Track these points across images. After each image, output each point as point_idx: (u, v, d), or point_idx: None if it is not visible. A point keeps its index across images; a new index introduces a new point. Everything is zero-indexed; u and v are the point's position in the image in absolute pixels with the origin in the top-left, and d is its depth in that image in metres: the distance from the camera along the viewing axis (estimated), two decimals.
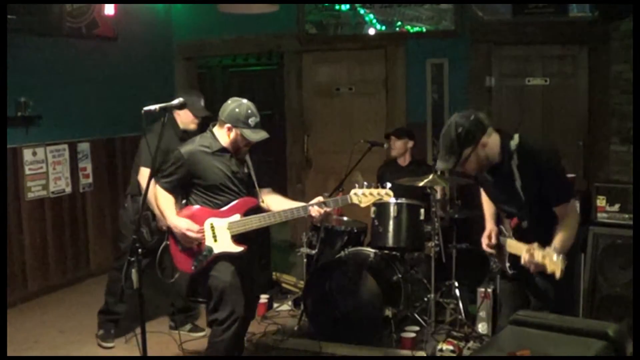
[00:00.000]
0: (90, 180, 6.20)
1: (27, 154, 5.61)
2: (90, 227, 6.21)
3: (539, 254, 2.80)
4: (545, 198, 3.05)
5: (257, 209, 3.63)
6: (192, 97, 4.52)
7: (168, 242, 3.65)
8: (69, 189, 5.99)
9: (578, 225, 3.07)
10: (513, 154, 3.06)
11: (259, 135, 3.52)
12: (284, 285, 5.68)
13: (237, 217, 3.56)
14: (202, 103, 4.63)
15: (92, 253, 6.24)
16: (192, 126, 4.57)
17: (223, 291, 3.55)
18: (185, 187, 3.64)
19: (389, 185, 3.66)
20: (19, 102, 5.42)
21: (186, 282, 4.74)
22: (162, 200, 3.62)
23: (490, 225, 3.40)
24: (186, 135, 4.50)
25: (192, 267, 3.60)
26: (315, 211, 3.53)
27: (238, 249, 3.55)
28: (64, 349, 4.61)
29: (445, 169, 3.23)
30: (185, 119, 4.55)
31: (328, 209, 3.62)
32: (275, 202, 3.70)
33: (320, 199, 3.62)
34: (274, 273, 5.73)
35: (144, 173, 4.47)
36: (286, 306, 5.22)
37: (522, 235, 3.13)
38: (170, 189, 3.63)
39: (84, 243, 6.20)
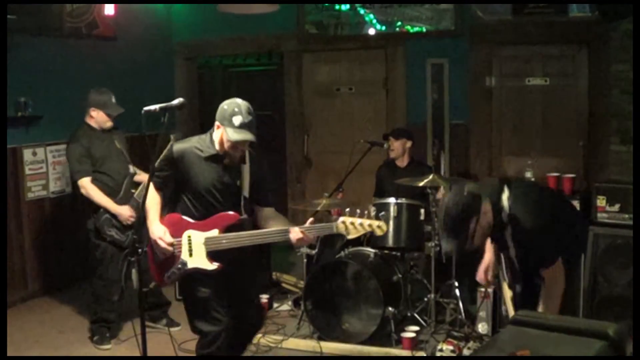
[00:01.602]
0: None
1: (27, 154, 5.61)
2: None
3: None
4: (534, 263, 3.04)
5: (239, 226, 3.37)
6: (103, 96, 4.58)
7: (146, 249, 3.44)
8: (69, 189, 5.99)
9: (563, 286, 3.02)
10: (507, 225, 3.02)
11: (240, 135, 3.21)
12: (284, 285, 5.68)
13: (215, 232, 3.33)
14: (114, 99, 4.63)
15: (92, 253, 6.22)
16: (108, 124, 4.61)
17: (205, 302, 3.37)
18: (173, 187, 3.46)
19: (383, 212, 3.42)
20: (19, 102, 5.42)
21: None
22: (149, 200, 3.40)
23: (489, 255, 3.38)
24: (103, 134, 4.58)
25: (165, 279, 3.43)
26: (295, 235, 3.27)
27: (211, 266, 3.33)
28: (64, 349, 4.61)
29: (452, 250, 3.11)
30: (100, 119, 4.58)
31: (309, 237, 3.30)
32: (268, 223, 3.43)
33: (308, 223, 3.35)
34: (274, 273, 5.73)
35: (82, 185, 4.50)
36: (286, 306, 5.22)
37: (514, 295, 3.15)
38: (159, 185, 3.44)
39: (84, 243, 6.18)
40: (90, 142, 4.55)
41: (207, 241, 3.34)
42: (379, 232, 3.29)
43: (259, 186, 3.45)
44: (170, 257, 3.38)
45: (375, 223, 3.26)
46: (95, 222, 4.55)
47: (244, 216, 3.37)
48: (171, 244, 3.36)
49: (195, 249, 3.35)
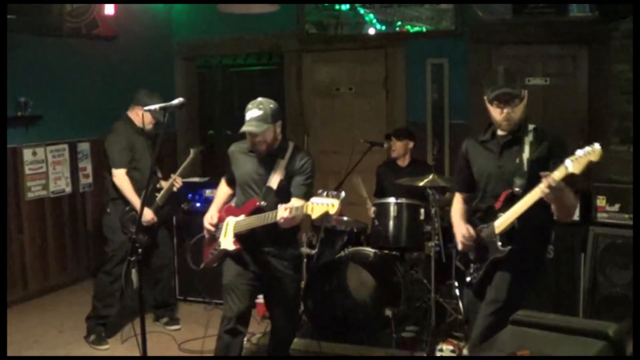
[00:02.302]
0: (90, 180, 6.21)
1: (27, 154, 5.61)
2: (90, 227, 6.21)
3: (554, 174, 2.93)
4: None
5: (257, 212, 3.57)
6: (152, 100, 4.49)
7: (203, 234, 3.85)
8: (69, 189, 6.00)
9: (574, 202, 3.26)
10: (529, 132, 3.35)
11: (243, 127, 3.50)
12: None
13: (242, 216, 3.62)
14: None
15: (92, 253, 6.24)
16: (150, 126, 4.64)
17: (224, 289, 3.69)
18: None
19: (342, 194, 3.26)
20: (19, 102, 5.43)
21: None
22: (218, 192, 3.91)
23: (464, 225, 3.43)
24: (143, 132, 4.60)
25: (208, 258, 3.76)
26: (279, 214, 3.35)
27: (232, 247, 3.62)
28: (64, 349, 4.61)
29: (510, 92, 3.30)
30: (145, 119, 4.58)
31: (289, 216, 3.33)
32: None
33: (293, 203, 3.44)
34: None
35: (117, 174, 4.54)
36: None
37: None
38: (227, 181, 3.87)
39: (84, 243, 6.20)
40: (132, 137, 4.62)
41: (236, 224, 3.63)
42: (331, 211, 3.17)
43: (292, 180, 3.61)
44: (214, 240, 3.74)
45: (331, 202, 3.17)
46: (121, 217, 4.58)
47: (261, 203, 3.57)
48: (213, 225, 3.72)
49: (228, 231, 3.66)
